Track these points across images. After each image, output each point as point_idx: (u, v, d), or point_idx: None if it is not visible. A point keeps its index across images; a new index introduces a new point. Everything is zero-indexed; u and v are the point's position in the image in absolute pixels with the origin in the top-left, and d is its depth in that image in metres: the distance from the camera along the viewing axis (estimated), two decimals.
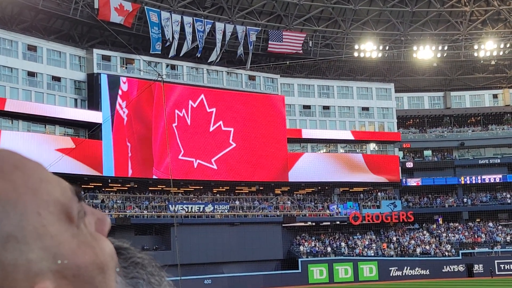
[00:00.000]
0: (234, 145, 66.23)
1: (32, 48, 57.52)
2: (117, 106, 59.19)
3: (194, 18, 64.96)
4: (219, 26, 66.47)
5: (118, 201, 61.01)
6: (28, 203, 0.84)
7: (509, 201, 74.90)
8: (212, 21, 66.53)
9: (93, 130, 57.98)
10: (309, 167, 69.55)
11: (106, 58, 61.64)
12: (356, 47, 73.89)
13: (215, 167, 64.96)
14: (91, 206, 0.97)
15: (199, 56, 66.06)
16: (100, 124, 57.81)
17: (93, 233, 0.92)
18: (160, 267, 1.01)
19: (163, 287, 0.98)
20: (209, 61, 66.43)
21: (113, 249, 0.93)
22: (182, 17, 63.84)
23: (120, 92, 60.05)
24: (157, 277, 0.98)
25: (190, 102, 64.34)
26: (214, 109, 65.53)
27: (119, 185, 61.84)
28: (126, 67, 63.01)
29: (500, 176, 74.88)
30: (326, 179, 70.59)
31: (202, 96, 65.17)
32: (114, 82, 60.13)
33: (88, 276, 0.86)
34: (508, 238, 69.83)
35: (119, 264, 0.94)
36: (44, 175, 0.89)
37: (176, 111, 63.10)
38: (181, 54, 64.37)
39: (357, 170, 71.51)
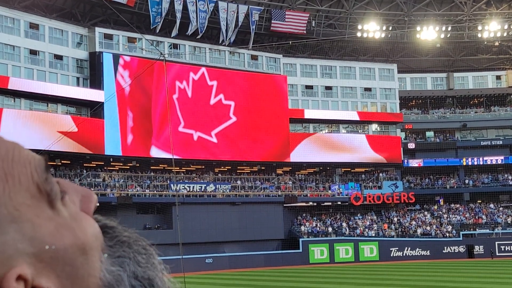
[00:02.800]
0: (235, 119, 66.18)
1: (34, 26, 57.26)
2: (118, 83, 58.92)
3: None
4: (222, 5, 66.11)
5: (120, 180, 61.11)
6: (0, 187, 0.82)
7: (510, 183, 74.97)
8: (215, 0, 66.15)
9: (95, 108, 57.92)
10: (311, 147, 69.56)
11: (108, 37, 61.40)
12: (359, 27, 73.54)
13: (215, 140, 64.94)
14: (77, 184, 1.04)
15: (201, 36, 65.76)
16: (102, 102, 57.73)
17: (73, 213, 0.89)
18: (149, 246, 0.98)
19: (151, 265, 0.96)
20: (221, 42, 66.41)
21: (97, 228, 0.91)
22: None
23: (122, 63, 59.89)
24: (144, 256, 0.95)
25: (192, 74, 64.29)
26: (215, 82, 65.47)
27: (121, 164, 61.93)
28: (128, 46, 62.77)
29: (502, 157, 74.90)
30: (328, 160, 70.62)
31: (204, 69, 65.11)
32: (116, 61, 59.97)
33: (68, 258, 0.84)
34: (509, 219, 70.00)
35: (105, 243, 0.92)
36: (17, 157, 0.86)
37: (177, 82, 62.99)
38: (188, 33, 64.13)
39: (359, 150, 71.49)
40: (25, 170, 0.86)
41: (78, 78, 60.01)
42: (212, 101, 65.23)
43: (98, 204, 0.93)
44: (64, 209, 0.88)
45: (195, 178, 65.13)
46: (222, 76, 66.09)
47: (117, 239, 0.94)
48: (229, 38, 66.86)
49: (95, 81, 59.46)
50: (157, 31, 63.16)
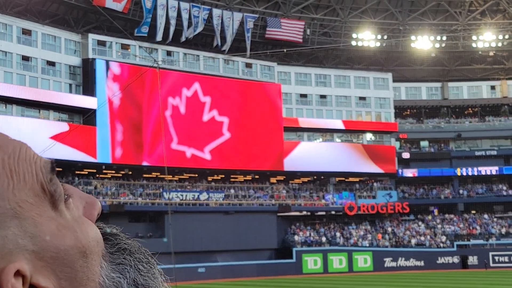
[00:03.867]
0: (229, 135, 65.73)
1: (26, 32, 56.83)
2: (109, 90, 58.49)
3: (191, 4, 64.29)
4: (216, 12, 65.85)
5: (112, 188, 60.59)
6: (5, 182, 0.83)
7: (504, 194, 74.81)
8: (210, 8, 65.89)
9: (87, 115, 57.45)
10: (305, 156, 69.23)
11: (102, 43, 61.00)
12: (354, 36, 73.39)
13: (208, 157, 64.53)
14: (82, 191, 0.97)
15: (195, 43, 65.46)
16: (95, 109, 57.28)
17: (76, 217, 0.90)
18: (150, 255, 0.99)
19: (152, 274, 0.96)
20: (216, 47, 65.97)
21: (99, 234, 0.92)
22: (179, 3, 63.15)
23: (113, 76, 59.50)
24: (145, 264, 0.97)
25: (185, 90, 63.78)
26: (209, 98, 64.96)
27: (113, 171, 61.42)
28: (121, 53, 62.38)
29: (497, 168, 74.71)
30: (322, 169, 70.29)
31: (197, 84, 64.57)
32: (109, 68, 59.58)
33: (68, 260, 0.84)
34: (503, 230, 69.73)
35: (106, 249, 0.93)
36: (23, 155, 0.87)
37: (170, 99, 62.52)
38: (181, 41, 63.79)
39: (354, 160, 71.18)
40: (31, 168, 0.87)
41: (70, 85, 59.54)
42: (206, 117, 64.73)
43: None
44: (67, 211, 0.89)
45: (188, 187, 64.66)
46: (216, 88, 65.52)
47: (118, 246, 0.96)
48: (228, 45, 66.57)
49: (88, 88, 59.01)
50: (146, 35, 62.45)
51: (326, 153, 70.48)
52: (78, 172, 59.28)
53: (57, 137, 53.21)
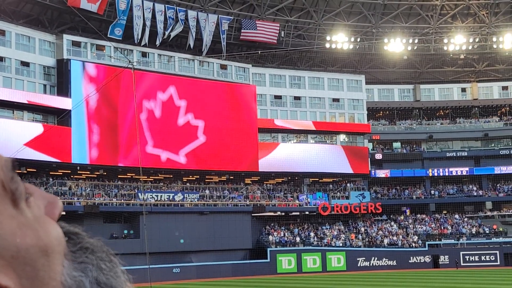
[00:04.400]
0: (204, 139, 65.84)
1: (0, 32, 56.51)
2: (84, 91, 58.37)
3: (166, 5, 64.45)
4: (192, 14, 66.10)
5: (87, 189, 60.50)
6: None
7: (475, 194, 76.10)
8: (185, 9, 66.11)
9: (62, 116, 57.30)
10: (280, 157, 69.76)
11: (76, 44, 60.88)
12: (328, 38, 74.15)
13: (184, 161, 64.69)
14: (45, 191, 0.96)
15: (170, 44, 65.59)
16: (70, 110, 57.17)
17: (37, 215, 0.90)
18: (112, 254, 0.98)
19: (114, 273, 0.95)
20: (202, 50, 66.15)
21: (60, 233, 0.92)
22: (153, 4, 63.26)
23: (88, 77, 59.41)
24: (108, 263, 0.96)
25: (160, 94, 63.81)
26: (184, 102, 65.07)
27: (88, 172, 61.33)
28: (96, 54, 62.31)
29: (467, 169, 75.98)
30: (296, 169, 70.88)
31: (172, 88, 64.59)
32: (84, 68, 59.47)
33: (29, 259, 0.84)
34: (474, 230, 70.92)
35: (68, 248, 0.92)
36: None
37: (145, 102, 62.50)
38: (157, 42, 63.83)
39: (327, 161, 71.85)
40: None
41: (45, 85, 59.33)
42: (181, 121, 64.83)
43: (64, 213, 0.96)
44: (28, 210, 0.89)
45: (163, 187, 64.80)
46: (191, 90, 65.65)
47: (80, 245, 0.95)
48: (207, 46, 66.78)
49: (63, 89, 58.85)
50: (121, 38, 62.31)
51: (300, 154, 71.08)
52: (53, 173, 59.10)
53: (31, 142, 53.08)
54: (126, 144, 60.30)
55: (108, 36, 60.67)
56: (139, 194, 59.66)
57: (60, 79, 59.27)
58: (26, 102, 55.93)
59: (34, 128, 55.80)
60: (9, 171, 0.88)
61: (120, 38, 61.85)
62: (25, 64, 57.94)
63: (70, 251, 0.92)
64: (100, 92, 58.05)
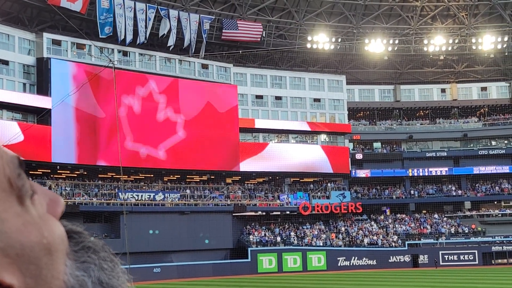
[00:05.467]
0: (184, 134, 65.76)
1: None
2: (64, 90, 57.97)
3: (147, 4, 64.19)
4: (173, 13, 65.92)
5: (67, 188, 60.11)
6: None
7: (454, 194, 76.76)
8: (166, 8, 65.93)
9: (42, 115, 56.89)
10: (261, 157, 69.82)
11: (57, 43, 60.46)
12: (309, 38, 74.35)
13: (163, 157, 64.49)
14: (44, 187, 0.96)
15: (150, 44, 65.36)
16: (50, 109, 56.77)
17: (41, 213, 0.90)
18: (113, 254, 0.99)
19: (116, 273, 0.96)
20: (185, 49, 66.03)
21: (63, 231, 0.92)
22: (135, 3, 62.99)
23: (68, 75, 59.02)
24: (109, 263, 0.96)
25: (140, 89, 63.57)
26: (164, 97, 64.90)
27: (68, 172, 60.94)
28: (76, 53, 61.94)
29: (446, 169, 76.61)
30: (277, 169, 70.97)
31: (152, 83, 64.43)
32: (64, 67, 59.07)
33: (33, 257, 0.83)
34: (453, 229, 71.55)
35: (70, 247, 0.93)
36: None
37: (124, 98, 62.16)
38: (138, 43, 63.53)
39: (308, 160, 72.05)
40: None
41: (24, 84, 58.85)
42: (160, 117, 64.58)
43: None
44: (33, 207, 0.88)
45: (144, 187, 64.58)
46: (172, 88, 65.53)
47: (82, 244, 0.95)
48: (191, 46, 66.67)
49: (43, 88, 58.42)
50: (106, 35, 61.97)
51: (281, 154, 71.20)
52: (32, 172, 58.59)
53: (10, 142, 52.59)
54: (106, 141, 59.94)
55: (100, 36, 60.41)
56: (120, 193, 59.42)
57: (40, 78, 58.82)
58: (5, 101, 55.41)
59: (13, 127, 55.28)
60: (16, 168, 0.88)
61: (110, 34, 61.47)
62: (5, 62, 57.43)
63: (73, 250, 0.93)
64: (80, 91, 57.67)
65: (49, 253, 0.86)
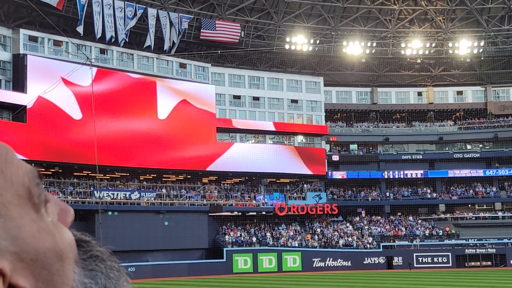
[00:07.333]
0: (160, 134, 65.50)
1: None
2: (41, 87, 57.43)
3: (125, 2, 63.81)
4: (152, 11, 65.63)
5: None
6: None
7: (429, 196, 77.37)
8: (144, 7, 65.62)
9: (17, 112, 56.30)
10: (238, 157, 69.80)
11: (33, 39, 59.84)
12: (288, 39, 74.50)
13: (139, 156, 64.15)
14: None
15: (128, 42, 65.02)
16: (25, 106, 56.20)
17: (54, 221, 0.94)
18: (118, 263, 1.02)
19: (121, 282, 0.99)
20: (164, 48, 65.63)
21: (73, 240, 0.95)
22: (113, 1, 62.57)
23: (45, 72, 58.45)
24: (116, 272, 0.99)
25: (117, 88, 63.21)
26: (141, 95, 64.61)
27: (43, 169, 60.22)
28: (53, 49, 61.36)
29: (422, 171, 77.20)
30: (254, 170, 70.99)
31: (129, 82, 64.13)
32: (40, 64, 58.48)
33: (46, 263, 0.86)
34: (427, 232, 72.13)
35: (79, 255, 0.95)
36: (11, 158, 0.90)
37: (102, 96, 61.75)
38: (119, 42, 63.16)
39: (285, 161, 72.19)
40: (18, 172, 0.90)
41: (0, 80, 58.19)
42: (137, 115, 64.24)
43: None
44: (47, 215, 0.93)
45: (120, 186, 64.19)
46: (149, 86, 65.20)
47: (91, 253, 0.98)
48: (171, 45, 66.47)
49: (18, 84, 57.80)
50: (81, 34, 61.37)
51: (258, 154, 71.23)
52: None
53: None
54: (82, 140, 59.44)
55: (76, 29, 59.81)
56: (95, 192, 59.01)
57: (16, 74, 58.19)
58: None
59: None
60: (36, 177, 0.92)
61: (81, 31, 60.93)
62: None
63: (81, 258, 0.96)
64: (57, 88, 57.17)
65: (60, 260, 0.89)
